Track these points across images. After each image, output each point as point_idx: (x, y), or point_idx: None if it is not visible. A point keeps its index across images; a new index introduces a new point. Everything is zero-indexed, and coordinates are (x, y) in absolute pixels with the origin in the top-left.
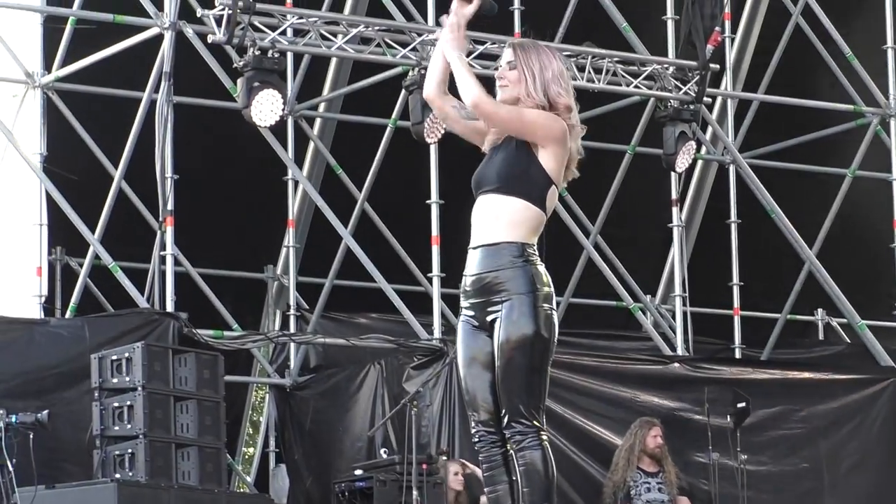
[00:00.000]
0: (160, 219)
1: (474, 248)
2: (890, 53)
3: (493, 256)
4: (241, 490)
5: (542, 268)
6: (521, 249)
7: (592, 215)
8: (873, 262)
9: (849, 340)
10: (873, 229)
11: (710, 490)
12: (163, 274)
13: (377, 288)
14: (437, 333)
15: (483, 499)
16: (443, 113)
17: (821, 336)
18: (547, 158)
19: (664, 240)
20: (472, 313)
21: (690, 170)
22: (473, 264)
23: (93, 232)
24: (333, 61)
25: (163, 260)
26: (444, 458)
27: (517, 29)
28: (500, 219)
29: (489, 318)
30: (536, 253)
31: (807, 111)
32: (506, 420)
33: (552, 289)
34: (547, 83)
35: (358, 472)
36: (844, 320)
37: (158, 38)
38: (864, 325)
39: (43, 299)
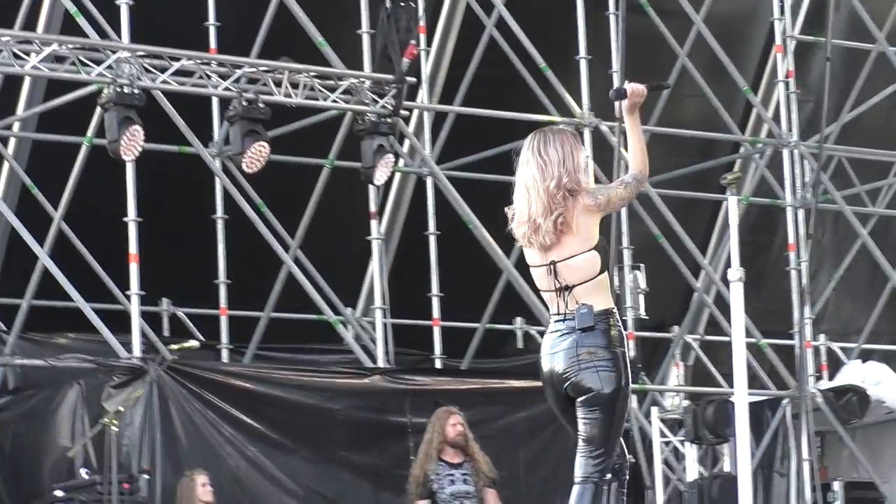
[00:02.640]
0: None
1: None
2: (583, 64)
3: None
4: None
5: None
6: None
7: (292, 229)
8: None
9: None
10: None
11: None
12: None
13: (76, 307)
14: (136, 352)
15: None
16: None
17: (520, 344)
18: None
19: (364, 252)
20: None
21: (389, 182)
22: None
23: None
24: (27, 80)
25: None
26: (187, 474)
27: (213, 45)
28: None
29: None
30: None
31: (504, 122)
32: None
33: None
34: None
35: (58, 492)
36: (543, 328)
37: None
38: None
39: None
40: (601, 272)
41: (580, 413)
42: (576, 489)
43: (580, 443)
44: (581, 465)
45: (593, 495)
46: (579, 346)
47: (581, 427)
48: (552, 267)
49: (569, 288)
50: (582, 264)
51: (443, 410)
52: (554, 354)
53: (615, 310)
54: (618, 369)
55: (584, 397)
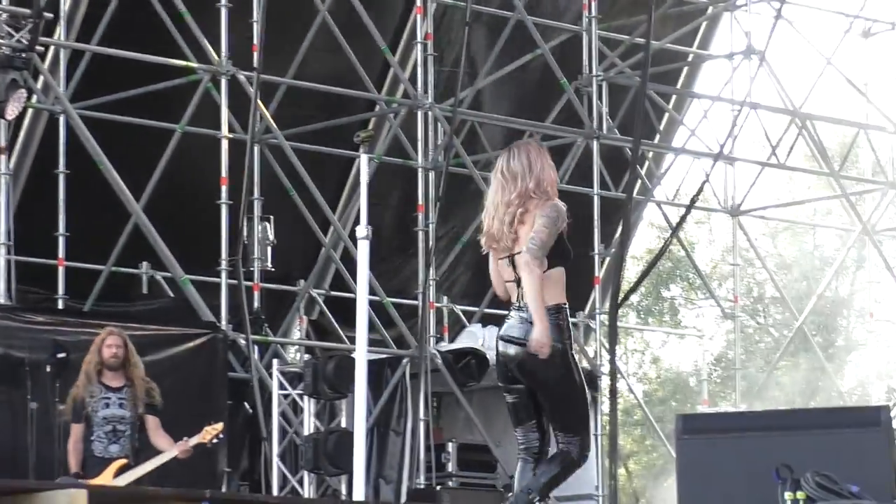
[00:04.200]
0: None
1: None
2: (223, 12)
3: None
4: None
5: None
6: None
7: None
8: (200, 218)
9: (172, 294)
10: (202, 185)
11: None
12: None
13: None
14: None
15: None
16: None
17: (145, 290)
18: None
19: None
20: None
21: (20, 119)
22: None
23: None
24: None
25: None
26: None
27: None
28: None
29: None
30: None
31: (143, 65)
32: None
33: None
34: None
35: None
36: (169, 274)
37: None
38: (187, 279)
39: None
40: (552, 268)
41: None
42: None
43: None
44: (555, 443)
45: (562, 465)
46: (528, 335)
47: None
48: (510, 258)
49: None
50: None
51: (105, 331)
52: (507, 340)
53: (565, 305)
54: (558, 360)
55: (533, 384)
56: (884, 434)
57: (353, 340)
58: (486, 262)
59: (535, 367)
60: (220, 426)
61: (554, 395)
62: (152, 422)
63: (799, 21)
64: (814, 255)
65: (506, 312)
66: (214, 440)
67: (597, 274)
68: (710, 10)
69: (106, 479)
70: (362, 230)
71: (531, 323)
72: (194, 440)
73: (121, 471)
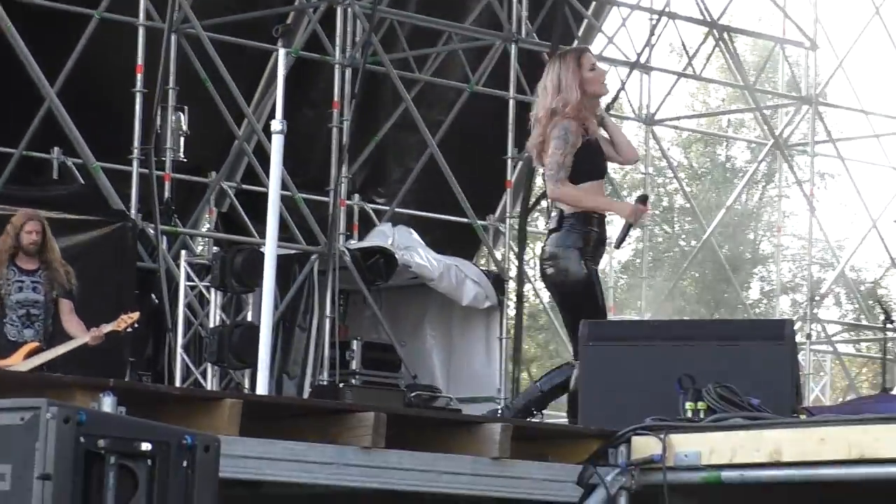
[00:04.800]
0: None
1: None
2: None
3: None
4: None
5: None
6: None
7: None
8: (114, 106)
9: (83, 181)
10: (117, 73)
11: None
12: None
13: None
14: None
15: None
16: None
17: (55, 175)
18: None
19: None
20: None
21: None
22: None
23: None
24: None
25: None
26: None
27: None
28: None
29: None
30: None
31: None
32: None
33: None
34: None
35: None
36: (80, 161)
37: None
38: (98, 166)
39: None
40: (583, 183)
41: None
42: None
43: None
44: None
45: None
46: (547, 245)
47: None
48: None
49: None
50: None
51: (22, 213)
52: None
53: (596, 217)
54: (566, 265)
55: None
56: (787, 348)
57: (262, 235)
58: (398, 161)
59: (553, 280)
60: (135, 315)
61: (566, 309)
62: (66, 306)
63: None
64: (725, 167)
65: (414, 212)
66: (129, 329)
67: (508, 178)
68: None
69: (15, 361)
70: (277, 124)
71: (553, 231)
72: (108, 327)
73: (30, 354)
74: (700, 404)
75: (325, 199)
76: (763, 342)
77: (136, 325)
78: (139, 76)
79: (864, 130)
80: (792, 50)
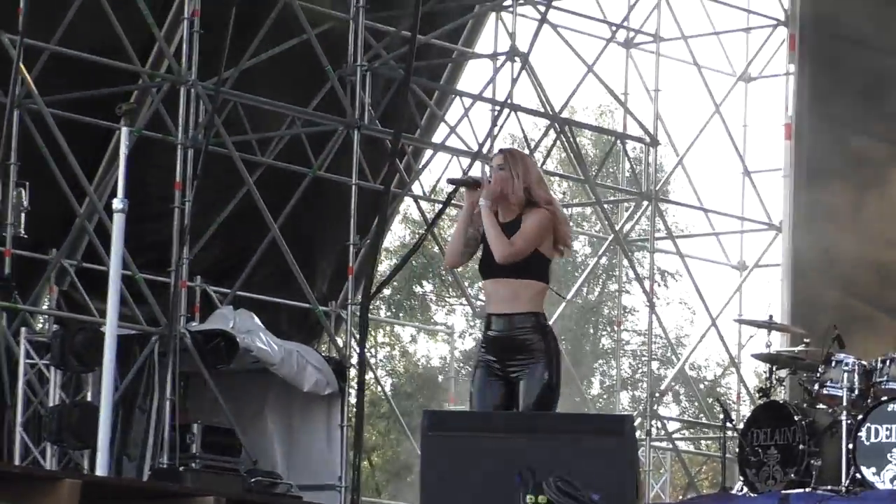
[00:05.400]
0: None
1: (498, 315)
2: None
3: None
4: None
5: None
6: (538, 318)
7: None
8: None
9: None
10: None
11: None
12: None
13: None
14: None
15: None
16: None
17: None
18: (543, 246)
19: None
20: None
21: None
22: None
23: None
24: None
25: None
26: None
27: None
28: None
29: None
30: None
31: None
32: None
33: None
34: (530, 184)
35: None
36: None
37: None
38: None
39: None
40: None
41: None
42: None
43: None
44: None
45: None
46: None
47: None
48: None
49: None
50: None
51: None
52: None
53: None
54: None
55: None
56: (626, 443)
57: (103, 314)
58: (241, 244)
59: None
60: None
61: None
62: None
63: (563, 26)
64: (566, 261)
65: (256, 296)
66: None
67: (350, 264)
68: (476, 8)
69: None
70: (118, 203)
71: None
72: None
73: None
74: (541, 498)
75: (167, 279)
76: (603, 437)
77: None
78: None
79: (703, 228)
80: (633, 145)
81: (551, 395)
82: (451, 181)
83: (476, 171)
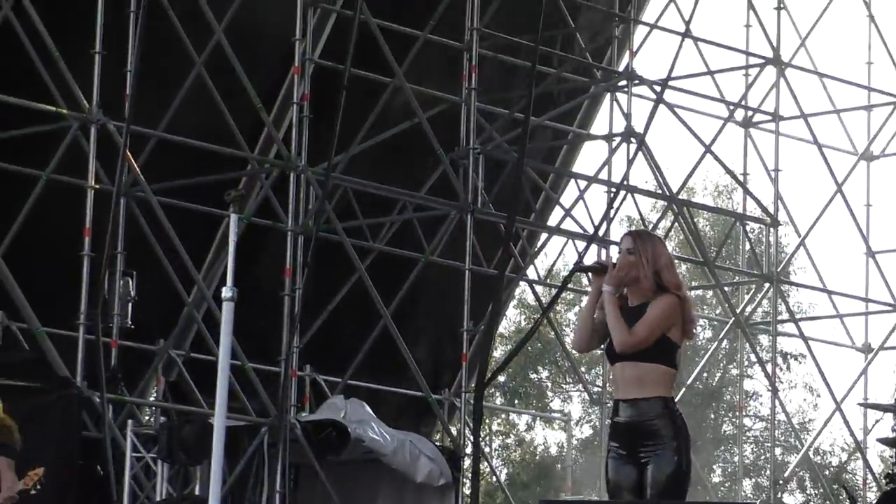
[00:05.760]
0: None
1: (624, 401)
2: (97, 59)
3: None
4: None
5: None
6: (666, 403)
7: None
8: (60, 269)
9: (27, 347)
10: (64, 236)
11: None
12: None
13: None
14: None
15: None
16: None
17: None
18: (671, 332)
19: None
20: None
21: None
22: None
23: None
24: None
25: None
26: None
27: None
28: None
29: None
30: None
31: (11, 108)
32: None
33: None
34: (660, 269)
35: None
36: (24, 325)
37: None
38: (43, 331)
39: None
40: None
41: None
42: None
43: None
44: None
45: None
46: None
47: None
48: None
49: None
50: None
51: None
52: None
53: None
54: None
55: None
56: None
57: (211, 405)
58: (350, 331)
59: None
60: (40, 470)
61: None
62: (3, 463)
63: (679, 106)
64: (686, 345)
65: (367, 384)
66: (38, 486)
67: (464, 351)
68: (591, 89)
69: None
70: (227, 291)
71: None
72: (19, 486)
73: None
74: None
75: (276, 369)
76: None
77: (42, 482)
78: (87, 239)
79: (827, 310)
80: (753, 225)
81: (681, 481)
82: (578, 268)
83: (592, 255)
